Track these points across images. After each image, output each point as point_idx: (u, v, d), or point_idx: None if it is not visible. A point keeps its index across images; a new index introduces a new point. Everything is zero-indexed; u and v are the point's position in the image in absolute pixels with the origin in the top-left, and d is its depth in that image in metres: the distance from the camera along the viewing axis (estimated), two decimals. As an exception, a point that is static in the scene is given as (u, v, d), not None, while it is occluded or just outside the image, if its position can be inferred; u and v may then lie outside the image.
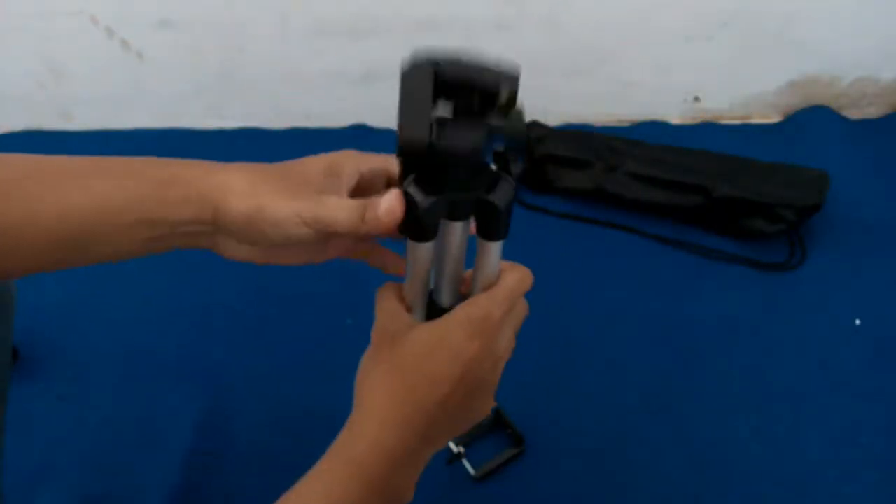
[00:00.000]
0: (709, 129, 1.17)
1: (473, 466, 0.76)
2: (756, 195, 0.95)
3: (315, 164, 0.47)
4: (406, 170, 0.41)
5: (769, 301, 0.91)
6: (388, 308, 0.46)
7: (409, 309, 0.47)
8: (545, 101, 1.18)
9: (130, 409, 0.85)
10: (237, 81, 1.19)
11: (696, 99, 1.17)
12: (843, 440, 0.77)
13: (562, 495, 0.75)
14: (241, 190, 0.41)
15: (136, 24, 1.13)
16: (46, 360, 0.92)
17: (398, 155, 0.38)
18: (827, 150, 1.08)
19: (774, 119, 1.18)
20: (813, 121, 1.14)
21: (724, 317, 0.90)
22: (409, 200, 0.40)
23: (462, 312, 0.43)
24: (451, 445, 0.77)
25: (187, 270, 1.01)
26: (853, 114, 1.16)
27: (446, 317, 0.43)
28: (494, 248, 0.44)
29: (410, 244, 0.43)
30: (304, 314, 0.95)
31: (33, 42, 1.17)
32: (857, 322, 0.88)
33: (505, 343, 0.45)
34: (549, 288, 0.79)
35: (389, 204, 0.41)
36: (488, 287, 0.45)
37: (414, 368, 0.42)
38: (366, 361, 0.45)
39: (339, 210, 0.43)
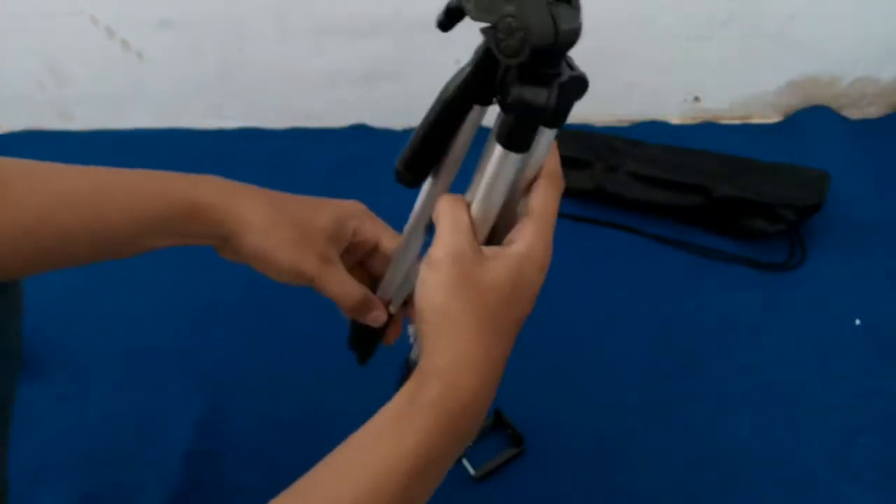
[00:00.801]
0: (709, 129, 1.17)
1: (473, 466, 0.76)
2: (756, 195, 0.95)
3: (326, 215, 0.49)
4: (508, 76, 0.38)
5: (769, 301, 0.91)
6: (463, 227, 0.40)
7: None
8: (545, 101, 1.18)
9: (130, 409, 0.85)
10: (237, 81, 1.19)
11: (696, 99, 1.17)
12: (843, 440, 0.77)
13: (562, 495, 0.75)
14: (257, 230, 0.46)
15: (136, 24, 1.13)
16: (46, 360, 0.91)
17: (532, 53, 0.34)
18: (827, 150, 1.08)
19: (774, 119, 1.18)
20: (813, 121, 1.14)
21: (724, 317, 0.90)
22: (527, 103, 0.38)
23: (531, 249, 0.42)
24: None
25: (187, 270, 1.01)
26: (853, 114, 1.16)
27: (518, 252, 0.41)
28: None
29: (500, 157, 0.40)
30: (304, 314, 0.95)
31: (33, 42, 1.17)
32: (857, 322, 0.88)
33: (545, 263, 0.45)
34: (549, 288, 0.79)
35: (378, 316, 0.52)
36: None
37: (498, 313, 0.40)
38: (439, 291, 0.39)
39: (339, 289, 0.49)
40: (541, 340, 0.85)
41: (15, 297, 0.59)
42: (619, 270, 0.97)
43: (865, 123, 1.15)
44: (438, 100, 0.44)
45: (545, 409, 0.82)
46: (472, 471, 0.76)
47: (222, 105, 1.23)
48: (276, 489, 0.70)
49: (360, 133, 1.22)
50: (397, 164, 0.44)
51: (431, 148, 0.44)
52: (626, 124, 1.20)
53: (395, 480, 0.37)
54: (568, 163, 1.05)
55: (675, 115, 1.19)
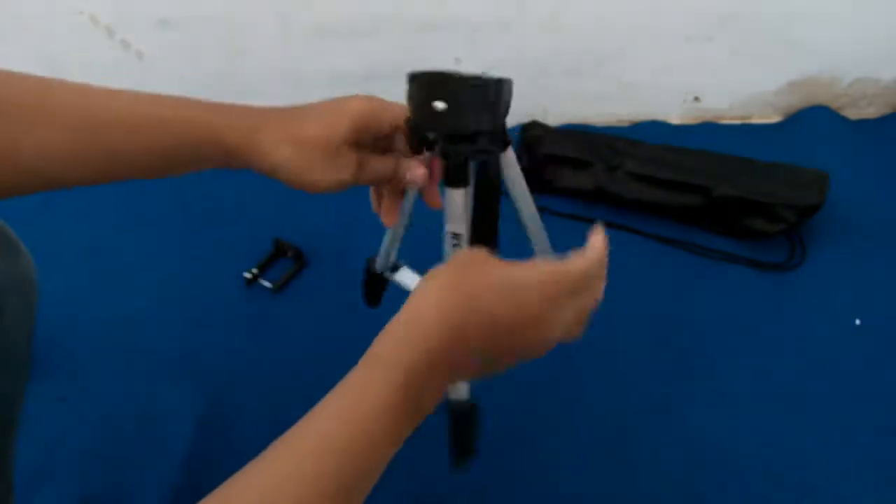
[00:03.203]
0: (709, 129, 1.17)
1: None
2: (756, 195, 0.95)
3: (345, 124, 0.50)
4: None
5: (769, 301, 0.91)
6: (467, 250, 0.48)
7: None
8: (545, 101, 1.18)
9: (130, 409, 0.85)
10: (237, 81, 1.19)
11: (696, 99, 1.17)
12: (843, 440, 0.77)
13: (561, 495, 0.75)
14: (287, 166, 0.49)
15: (136, 23, 1.13)
16: (46, 360, 0.92)
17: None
18: (827, 150, 1.08)
19: (774, 119, 1.18)
20: (813, 121, 1.14)
21: (724, 317, 0.90)
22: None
23: (545, 273, 0.44)
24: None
25: (188, 270, 1.01)
26: (853, 114, 1.16)
27: (527, 267, 0.44)
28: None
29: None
30: (304, 314, 0.95)
31: (33, 42, 1.17)
32: (857, 322, 0.88)
33: (563, 321, 0.45)
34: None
35: (418, 174, 0.52)
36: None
37: (479, 297, 0.41)
38: (430, 276, 0.43)
39: (375, 176, 0.52)
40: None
41: (28, 300, 0.59)
42: (619, 270, 0.96)
43: (865, 123, 1.15)
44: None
45: (545, 409, 0.82)
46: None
47: (222, 105, 1.23)
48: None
49: (360, 133, 1.22)
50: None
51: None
52: (626, 124, 1.20)
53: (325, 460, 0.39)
54: (568, 163, 1.06)
55: (675, 115, 1.19)
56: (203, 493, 0.76)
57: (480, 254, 0.44)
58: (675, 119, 1.20)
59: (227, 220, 1.07)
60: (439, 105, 0.47)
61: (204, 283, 0.99)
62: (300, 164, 0.49)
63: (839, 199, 0.98)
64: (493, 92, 0.48)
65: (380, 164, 0.53)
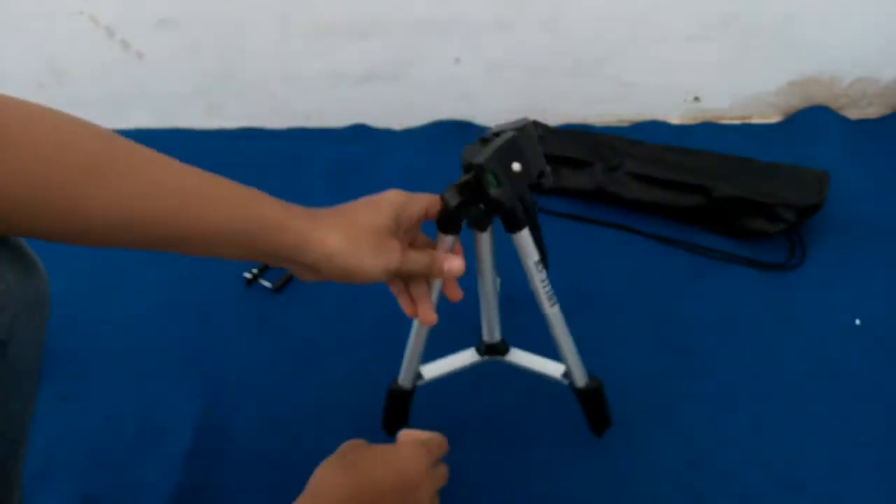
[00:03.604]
0: (709, 129, 1.17)
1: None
2: (756, 195, 0.95)
3: (385, 214, 0.55)
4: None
5: (769, 301, 0.91)
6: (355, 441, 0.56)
7: None
8: (545, 101, 1.18)
9: (131, 409, 0.85)
10: (237, 81, 1.20)
11: (696, 99, 1.17)
12: (843, 440, 0.77)
13: (561, 495, 0.75)
14: (341, 252, 0.52)
15: (136, 24, 1.13)
16: (47, 360, 0.91)
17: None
18: (827, 150, 1.08)
19: (774, 119, 1.18)
20: (813, 121, 1.14)
21: (724, 317, 0.90)
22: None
23: (413, 445, 0.55)
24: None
25: (188, 271, 1.01)
26: (853, 114, 1.16)
27: (400, 444, 0.55)
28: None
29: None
30: (304, 314, 0.95)
31: (33, 42, 1.17)
32: (857, 322, 0.88)
33: (432, 490, 0.55)
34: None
35: (455, 265, 0.58)
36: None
37: (367, 472, 0.52)
38: (325, 462, 0.53)
39: (417, 267, 0.56)
40: (538, 339, 0.85)
41: (41, 319, 0.59)
42: (619, 270, 0.97)
43: (865, 123, 1.15)
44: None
45: (544, 408, 0.82)
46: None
47: (222, 105, 1.23)
48: (276, 489, 0.70)
49: (360, 133, 1.22)
50: None
51: None
52: (626, 124, 1.20)
53: None
54: (568, 163, 1.06)
55: (675, 115, 1.19)
56: (203, 493, 0.76)
57: (360, 441, 0.54)
58: (675, 119, 1.20)
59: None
60: (516, 166, 0.52)
61: (204, 283, 0.99)
62: (352, 248, 0.52)
63: (839, 199, 0.98)
64: (534, 134, 0.54)
65: (418, 255, 0.57)
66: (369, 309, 0.93)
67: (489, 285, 0.65)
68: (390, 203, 0.55)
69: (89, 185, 0.42)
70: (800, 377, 0.83)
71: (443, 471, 0.58)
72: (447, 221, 0.57)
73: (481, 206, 0.54)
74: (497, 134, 0.54)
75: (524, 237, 0.58)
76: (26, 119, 0.42)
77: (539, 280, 0.61)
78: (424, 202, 0.57)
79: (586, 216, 1.03)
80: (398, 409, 0.75)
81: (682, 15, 1.06)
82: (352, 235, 0.52)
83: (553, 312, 0.65)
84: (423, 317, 0.60)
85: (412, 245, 0.60)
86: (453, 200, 0.54)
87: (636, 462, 0.77)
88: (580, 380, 0.72)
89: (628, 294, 0.93)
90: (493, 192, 0.52)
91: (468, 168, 0.53)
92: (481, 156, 0.51)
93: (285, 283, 0.98)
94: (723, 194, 0.96)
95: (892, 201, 1.01)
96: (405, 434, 0.57)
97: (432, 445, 0.56)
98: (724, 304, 0.91)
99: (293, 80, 1.18)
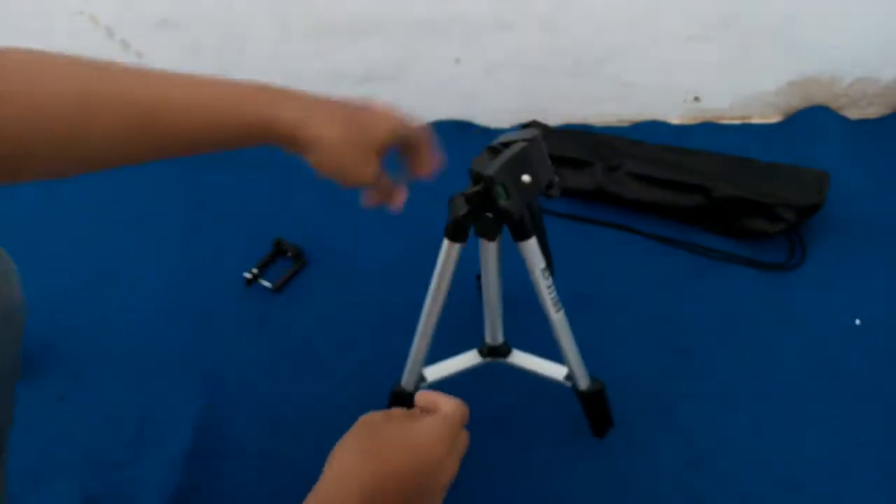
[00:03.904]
0: (709, 129, 1.17)
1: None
2: (756, 195, 0.95)
3: (385, 127, 0.55)
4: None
5: (769, 301, 0.91)
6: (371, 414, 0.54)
7: None
8: (545, 101, 1.18)
9: (130, 409, 0.85)
10: (237, 81, 1.19)
11: (696, 99, 1.17)
12: (843, 440, 0.77)
13: (562, 496, 0.75)
14: (328, 149, 0.52)
15: (136, 24, 1.13)
16: (46, 360, 0.92)
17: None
18: (827, 150, 1.08)
19: (774, 119, 1.18)
20: (813, 121, 1.14)
21: (724, 317, 0.90)
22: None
23: (434, 422, 0.52)
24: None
25: (188, 271, 1.01)
26: (853, 114, 1.16)
27: (420, 421, 0.52)
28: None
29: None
30: (304, 314, 0.95)
31: (33, 42, 1.17)
32: (857, 322, 0.88)
33: (455, 467, 0.53)
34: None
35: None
36: None
37: (390, 461, 0.50)
38: (345, 438, 0.51)
39: (386, 185, 0.56)
40: (540, 340, 0.85)
41: (16, 325, 0.59)
42: (619, 270, 0.97)
43: (865, 123, 1.15)
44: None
45: (544, 408, 0.82)
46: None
47: (222, 105, 1.23)
48: (276, 489, 0.70)
49: (360, 133, 1.22)
50: None
51: None
52: (626, 124, 1.20)
53: None
54: (568, 163, 1.06)
55: (675, 115, 1.19)
56: (203, 492, 0.76)
57: (377, 416, 0.52)
58: (675, 119, 1.19)
59: (227, 220, 1.07)
60: (526, 178, 0.53)
61: (204, 282, 0.99)
62: (341, 150, 0.52)
63: (839, 199, 0.98)
64: (543, 145, 0.54)
65: (387, 180, 0.57)
66: (370, 309, 0.93)
67: (494, 291, 0.66)
68: (392, 127, 0.56)
69: (87, 118, 0.45)
70: (800, 377, 0.83)
71: (464, 440, 0.56)
72: (455, 230, 0.57)
73: (489, 215, 0.55)
74: (506, 144, 0.54)
75: (531, 246, 0.58)
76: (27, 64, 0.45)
77: (545, 286, 0.62)
78: (420, 137, 0.58)
79: (586, 216, 1.03)
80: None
81: (682, 15, 1.06)
82: (344, 137, 0.53)
83: (558, 318, 0.65)
84: (395, 201, 0.59)
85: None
86: (461, 210, 0.55)
87: (636, 462, 0.77)
88: (583, 383, 0.72)
89: (628, 294, 0.93)
90: (503, 203, 0.53)
91: (477, 179, 0.53)
92: (491, 168, 0.52)
93: (285, 282, 0.98)
94: (723, 194, 0.96)
95: (892, 201, 1.01)
96: (424, 397, 0.54)
97: (454, 421, 0.54)
98: (724, 304, 0.91)
99: (293, 80, 1.17)
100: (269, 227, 1.04)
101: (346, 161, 0.53)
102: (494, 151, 0.54)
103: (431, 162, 0.57)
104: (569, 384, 0.73)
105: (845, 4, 1.04)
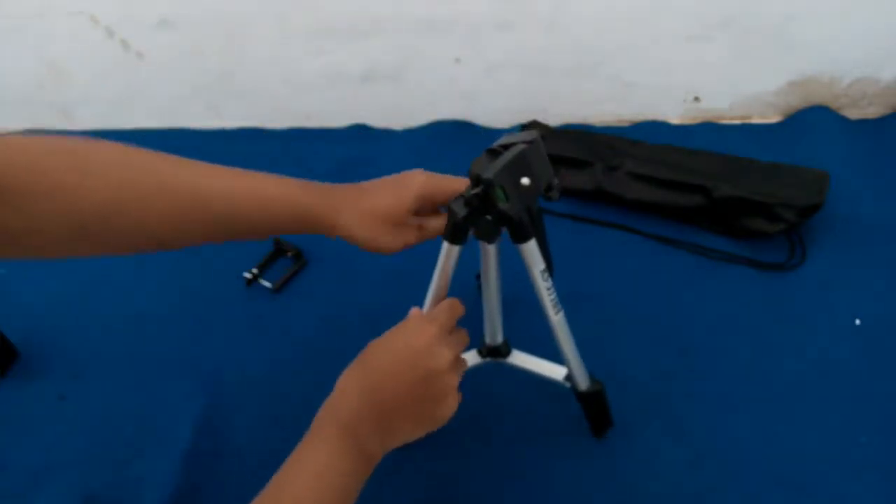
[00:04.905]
0: (709, 129, 1.17)
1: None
2: (756, 195, 0.95)
3: (408, 196, 0.60)
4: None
5: (769, 301, 0.91)
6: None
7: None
8: (545, 101, 1.18)
9: (130, 408, 0.85)
10: (237, 81, 1.19)
11: (696, 99, 1.17)
12: (843, 440, 0.77)
13: (562, 496, 0.75)
14: (363, 239, 0.60)
15: (136, 24, 1.13)
16: (46, 360, 0.92)
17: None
18: (827, 150, 1.08)
19: (774, 119, 1.18)
20: (813, 121, 1.14)
21: (724, 317, 0.90)
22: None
23: (409, 322, 0.57)
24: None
25: (188, 270, 1.01)
26: (853, 114, 1.16)
27: (398, 326, 0.57)
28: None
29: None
30: (304, 314, 0.95)
31: (33, 42, 1.17)
32: (857, 322, 0.88)
33: (449, 354, 0.55)
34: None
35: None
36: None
37: (370, 360, 0.56)
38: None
39: (433, 231, 0.63)
40: (540, 340, 0.85)
41: None
42: (619, 270, 0.97)
43: (865, 123, 1.15)
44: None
45: (544, 408, 0.82)
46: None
47: (222, 105, 1.23)
48: (277, 489, 0.68)
49: (360, 133, 1.22)
50: None
51: None
52: (626, 124, 1.20)
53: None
54: (568, 163, 1.06)
55: (675, 115, 1.19)
56: (203, 492, 0.77)
57: (376, 339, 0.57)
58: (675, 119, 1.20)
59: (227, 220, 1.07)
60: (525, 181, 0.53)
61: (204, 282, 0.99)
62: (374, 234, 0.59)
63: (839, 199, 0.98)
64: (543, 147, 0.55)
65: (435, 223, 0.63)
66: (370, 309, 0.93)
67: (494, 291, 0.66)
68: (415, 190, 0.60)
69: (151, 202, 0.52)
70: (800, 377, 0.83)
71: (461, 335, 0.60)
72: (455, 232, 0.58)
73: (489, 217, 0.55)
74: (506, 146, 0.54)
75: (531, 248, 0.58)
76: (102, 155, 0.51)
77: (545, 288, 0.62)
78: (452, 187, 0.61)
79: (586, 216, 1.03)
80: None
81: (682, 15, 1.06)
82: (373, 225, 0.59)
83: (557, 320, 0.65)
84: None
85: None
86: (461, 212, 0.55)
87: (636, 462, 0.77)
88: (582, 384, 0.72)
89: (628, 294, 0.93)
90: (502, 206, 0.53)
91: (476, 181, 0.53)
92: (490, 171, 0.52)
93: (285, 283, 0.98)
94: (723, 194, 0.96)
95: (892, 201, 1.01)
96: (414, 310, 0.60)
97: (438, 312, 0.58)
98: (724, 304, 0.91)
99: (293, 80, 1.18)
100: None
101: (378, 244, 0.60)
102: (494, 154, 0.54)
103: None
104: (568, 385, 0.73)
105: (845, 4, 1.04)
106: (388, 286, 0.95)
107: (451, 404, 0.56)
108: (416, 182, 0.60)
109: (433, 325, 0.56)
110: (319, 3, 1.08)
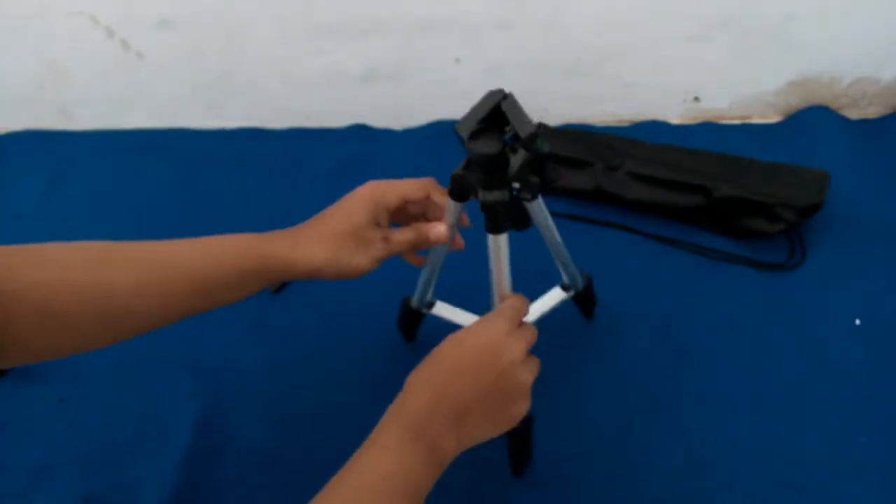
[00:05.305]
0: (709, 129, 1.17)
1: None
2: (756, 195, 0.95)
3: (360, 212, 0.59)
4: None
5: (769, 301, 0.91)
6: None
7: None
8: (545, 101, 1.18)
9: (130, 409, 0.85)
10: (237, 81, 1.19)
11: (696, 99, 1.17)
12: (843, 440, 0.77)
13: (560, 496, 0.75)
14: (326, 263, 0.58)
15: (136, 24, 1.13)
16: (47, 362, 0.92)
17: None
18: (827, 150, 1.08)
19: (774, 119, 1.18)
20: (813, 121, 1.14)
21: (724, 316, 0.90)
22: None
23: (479, 321, 0.56)
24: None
25: (187, 270, 1.01)
26: (853, 114, 1.16)
27: (472, 324, 0.56)
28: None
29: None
30: (304, 313, 0.95)
31: (33, 42, 1.17)
32: (857, 322, 0.88)
33: (519, 350, 0.55)
34: (548, 288, 0.79)
35: (440, 233, 0.62)
36: None
37: (441, 357, 0.55)
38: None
39: (401, 247, 0.61)
40: (540, 340, 0.85)
41: None
42: (619, 270, 0.97)
43: (865, 123, 1.15)
44: None
45: (544, 410, 0.82)
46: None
47: (222, 105, 1.23)
48: (276, 489, 0.70)
49: (360, 133, 1.22)
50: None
51: None
52: (626, 124, 1.20)
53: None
54: (568, 163, 1.06)
55: (675, 115, 1.19)
56: (203, 492, 0.76)
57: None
58: (675, 119, 1.20)
59: (226, 219, 1.07)
60: (545, 147, 0.57)
61: (204, 283, 0.99)
62: (336, 254, 0.58)
63: (839, 199, 0.98)
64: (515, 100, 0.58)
65: (402, 236, 0.61)
66: (370, 309, 0.93)
67: (506, 286, 0.65)
68: (363, 200, 0.59)
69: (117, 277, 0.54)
70: (800, 377, 0.83)
71: (530, 330, 0.59)
72: (458, 190, 0.59)
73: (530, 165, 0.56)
74: (491, 110, 0.58)
75: (539, 204, 0.61)
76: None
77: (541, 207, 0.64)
78: (402, 190, 0.61)
79: (586, 216, 1.03)
80: (409, 322, 0.83)
81: (682, 15, 1.06)
82: (332, 246, 0.58)
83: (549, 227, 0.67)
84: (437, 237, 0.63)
85: (403, 218, 0.64)
86: (493, 151, 0.56)
87: (635, 461, 0.77)
88: (580, 283, 0.77)
89: (628, 294, 0.93)
90: (546, 150, 0.56)
91: (480, 160, 0.55)
92: (530, 125, 0.55)
93: (285, 283, 0.98)
94: (723, 194, 0.96)
95: (892, 201, 1.01)
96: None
97: (505, 308, 0.58)
98: (724, 304, 0.91)
99: (293, 80, 1.18)
100: (269, 228, 1.03)
101: (342, 264, 0.58)
102: (488, 119, 0.58)
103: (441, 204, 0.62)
104: (571, 294, 0.77)
105: (845, 4, 1.04)
106: (388, 286, 0.95)
107: (525, 403, 0.56)
108: (365, 190, 0.60)
109: (501, 319, 0.56)
110: (320, 4, 1.08)
